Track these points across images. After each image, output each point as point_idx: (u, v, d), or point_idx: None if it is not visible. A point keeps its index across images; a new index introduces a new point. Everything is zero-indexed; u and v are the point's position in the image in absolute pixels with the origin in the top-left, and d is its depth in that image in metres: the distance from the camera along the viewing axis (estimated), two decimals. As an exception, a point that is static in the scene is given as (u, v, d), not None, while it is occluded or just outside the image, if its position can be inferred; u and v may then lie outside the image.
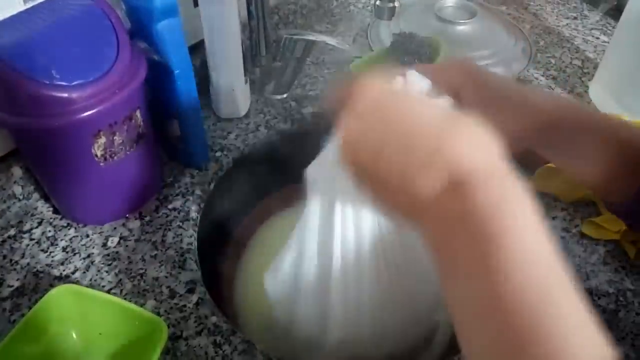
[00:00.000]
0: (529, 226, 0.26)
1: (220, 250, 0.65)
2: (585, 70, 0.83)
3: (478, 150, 0.28)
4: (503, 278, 0.24)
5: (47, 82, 0.46)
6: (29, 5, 0.52)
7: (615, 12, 0.94)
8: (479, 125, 0.29)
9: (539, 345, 0.22)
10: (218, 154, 0.68)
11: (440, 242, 0.29)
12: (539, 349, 0.22)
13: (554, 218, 0.60)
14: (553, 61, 0.85)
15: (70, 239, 0.58)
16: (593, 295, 0.53)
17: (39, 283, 0.54)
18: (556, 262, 0.25)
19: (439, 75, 0.40)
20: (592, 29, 0.93)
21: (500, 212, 0.26)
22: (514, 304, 0.23)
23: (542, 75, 0.82)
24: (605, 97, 0.75)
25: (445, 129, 0.28)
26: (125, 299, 0.52)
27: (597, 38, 0.91)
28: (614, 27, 0.90)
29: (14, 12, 0.50)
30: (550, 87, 0.80)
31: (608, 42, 0.88)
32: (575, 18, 0.96)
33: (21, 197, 0.60)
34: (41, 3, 0.52)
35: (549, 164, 0.60)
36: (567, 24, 0.95)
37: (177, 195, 0.62)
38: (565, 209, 0.61)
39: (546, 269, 0.25)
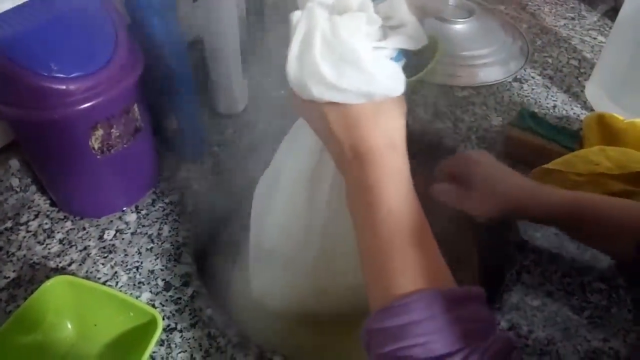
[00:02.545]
0: (396, 196, 0.35)
1: (216, 244, 0.65)
2: (582, 70, 0.84)
3: (375, 134, 0.36)
4: (373, 233, 0.35)
5: (46, 74, 0.47)
6: (28, -2, 0.52)
7: (613, 13, 0.95)
8: (389, 111, 0.36)
9: (390, 268, 0.33)
10: (215, 148, 0.68)
11: (350, 198, 0.37)
12: (390, 270, 0.33)
13: (548, 215, 0.61)
14: (550, 61, 0.86)
15: (67, 232, 0.58)
16: (586, 291, 0.54)
17: (35, 275, 0.54)
18: (411, 223, 0.34)
19: (453, 165, 0.56)
20: (589, 29, 0.94)
21: (378, 184, 0.35)
22: (378, 249, 0.34)
23: (539, 75, 0.83)
24: (601, 96, 0.75)
25: (355, 113, 0.36)
26: (120, 291, 0.52)
27: (594, 38, 0.91)
28: (611, 28, 0.90)
29: (14, 4, 0.51)
30: (546, 86, 0.80)
31: (605, 43, 0.88)
32: (572, 18, 0.97)
33: (18, 190, 0.60)
34: (40, -4, 0.53)
35: (544, 165, 0.61)
36: (565, 24, 0.95)
37: (174, 189, 0.63)
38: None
39: (401, 226, 0.34)
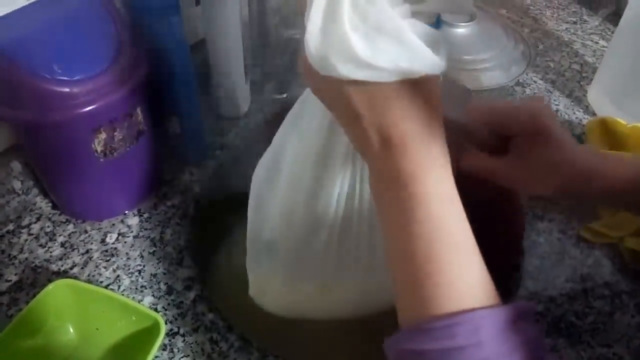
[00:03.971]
0: (436, 195, 0.30)
1: (218, 247, 0.65)
2: (584, 75, 0.84)
3: (409, 119, 0.31)
4: (408, 236, 0.30)
5: (49, 77, 0.47)
6: (32, 0, 0.52)
7: (615, 17, 0.95)
8: (426, 91, 0.31)
9: (431, 282, 0.29)
10: (217, 152, 0.68)
11: (378, 193, 0.33)
12: (430, 285, 0.29)
13: (551, 220, 0.61)
14: (552, 65, 0.86)
15: (69, 235, 0.58)
16: (589, 297, 0.53)
17: (37, 278, 0.54)
18: (453, 227, 0.30)
19: (509, 123, 0.42)
20: (591, 33, 0.94)
21: (413, 179, 0.30)
22: (414, 255, 0.30)
23: (541, 79, 0.83)
24: (604, 101, 0.75)
25: (386, 93, 0.31)
26: (123, 294, 0.52)
27: (596, 43, 0.91)
28: (612, 32, 0.90)
29: (17, 7, 0.51)
30: (548, 90, 0.80)
31: (607, 47, 0.88)
32: (574, 23, 0.97)
33: (20, 192, 0.60)
34: (43, -1, 0.53)
35: None
36: (567, 29, 0.95)
37: (176, 192, 0.63)
38: (563, 211, 0.62)
39: (442, 232, 0.30)
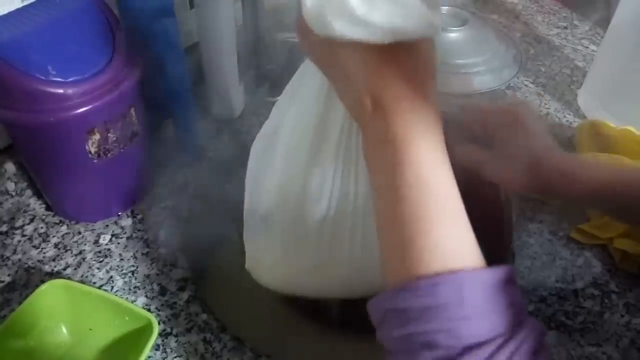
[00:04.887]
0: (426, 159, 0.30)
1: (212, 248, 0.65)
2: (574, 79, 0.85)
3: (403, 82, 0.31)
4: (397, 199, 0.30)
5: (43, 78, 0.47)
6: (27, 2, 0.52)
7: (605, 23, 0.96)
8: (420, 54, 0.31)
9: (417, 243, 0.29)
10: (211, 154, 0.68)
11: (370, 156, 0.33)
12: (417, 246, 0.29)
13: (541, 221, 0.61)
14: (543, 69, 0.87)
15: (62, 236, 0.58)
16: (579, 297, 0.54)
17: (30, 279, 0.54)
18: (442, 192, 0.30)
19: (489, 118, 0.46)
20: (581, 38, 0.95)
21: (404, 143, 0.30)
22: (402, 218, 0.30)
23: (532, 83, 0.84)
24: (594, 104, 0.76)
25: (379, 57, 0.31)
26: (116, 295, 0.52)
27: (587, 47, 0.93)
28: (602, 37, 0.92)
29: (12, 8, 0.51)
30: (539, 94, 0.81)
31: (597, 52, 0.89)
32: (565, 27, 0.98)
33: (14, 194, 0.60)
34: (38, 1, 0.53)
35: None
36: (558, 33, 0.96)
37: (170, 193, 0.63)
38: (553, 212, 0.62)
39: (431, 196, 0.30)
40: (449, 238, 0.29)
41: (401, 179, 0.30)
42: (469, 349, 0.26)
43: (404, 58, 0.31)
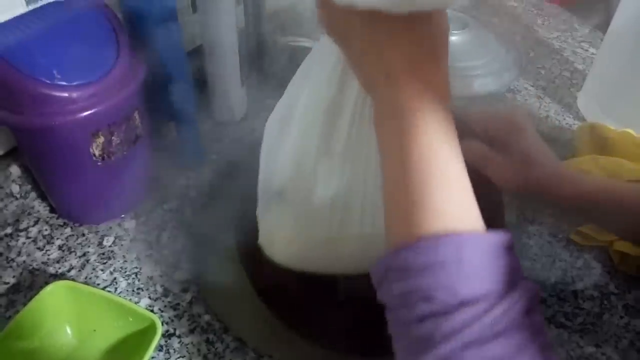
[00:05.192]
0: (433, 131, 0.31)
1: (213, 251, 0.66)
2: (574, 81, 0.85)
3: (415, 53, 0.32)
4: (403, 165, 0.31)
5: (48, 82, 0.47)
6: (32, 7, 0.53)
7: (605, 26, 0.96)
8: (425, 32, 0.32)
9: (420, 207, 0.30)
10: (214, 157, 0.69)
11: (378, 124, 0.34)
12: (420, 209, 0.30)
13: (541, 223, 0.62)
14: (543, 72, 0.87)
15: (66, 238, 0.58)
16: (578, 298, 0.55)
17: (34, 280, 0.54)
18: (448, 163, 0.31)
19: (489, 123, 0.48)
20: (581, 41, 0.96)
21: (412, 114, 0.31)
22: (407, 186, 0.31)
23: (532, 86, 0.84)
24: (593, 107, 0.77)
25: (393, 28, 0.32)
26: (119, 296, 0.53)
27: (586, 50, 0.93)
28: (602, 40, 0.92)
29: (17, 13, 0.52)
30: (539, 97, 0.82)
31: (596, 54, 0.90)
32: (565, 31, 0.99)
33: (18, 196, 0.61)
34: (43, 5, 0.54)
35: None
36: (558, 37, 0.97)
37: (172, 196, 0.63)
38: (553, 215, 0.63)
39: (437, 166, 0.31)
40: (451, 203, 0.30)
41: (407, 147, 0.31)
42: (464, 304, 0.27)
43: (419, 29, 0.32)
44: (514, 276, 0.29)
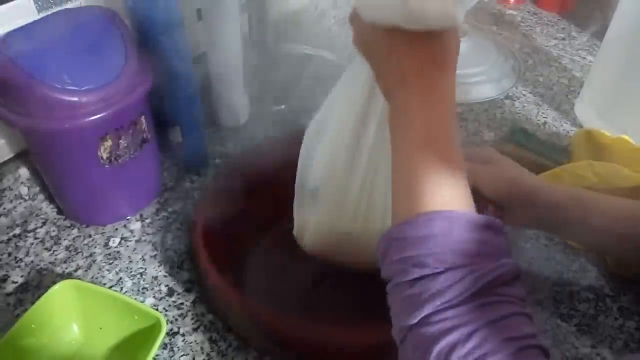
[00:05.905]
0: (436, 124, 0.37)
1: (217, 252, 0.67)
2: (572, 88, 0.87)
3: (427, 62, 0.37)
4: (407, 154, 0.37)
5: (59, 86, 0.49)
6: (43, 14, 0.55)
7: (603, 34, 0.98)
8: (436, 46, 0.38)
9: (420, 188, 0.35)
10: (217, 160, 0.70)
11: (389, 122, 0.39)
12: (419, 191, 0.35)
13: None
14: (541, 79, 0.89)
15: (73, 239, 0.60)
16: (574, 300, 0.56)
17: (42, 280, 0.56)
18: (451, 155, 0.36)
19: (488, 186, 0.52)
20: (579, 49, 0.97)
21: (419, 110, 0.37)
22: (410, 169, 0.36)
23: (530, 93, 0.85)
24: (590, 114, 0.78)
25: (411, 40, 0.37)
26: (125, 296, 0.54)
27: (584, 58, 0.95)
28: (599, 48, 0.93)
29: (29, 20, 0.53)
30: (537, 103, 0.83)
31: (593, 62, 0.91)
32: (563, 39, 1.00)
33: (27, 198, 0.62)
34: (54, 12, 0.55)
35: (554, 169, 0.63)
36: (555, 44, 0.98)
37: (177, 199, 0.65)
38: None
39: (439, 158, 0.36)
40: (446, 186, 0.35)
41: (414, 138, 0.37)
42: (450, 269, 0.32)
43: (432, 43, 0.37)
44: (498, 252, 0.34)
